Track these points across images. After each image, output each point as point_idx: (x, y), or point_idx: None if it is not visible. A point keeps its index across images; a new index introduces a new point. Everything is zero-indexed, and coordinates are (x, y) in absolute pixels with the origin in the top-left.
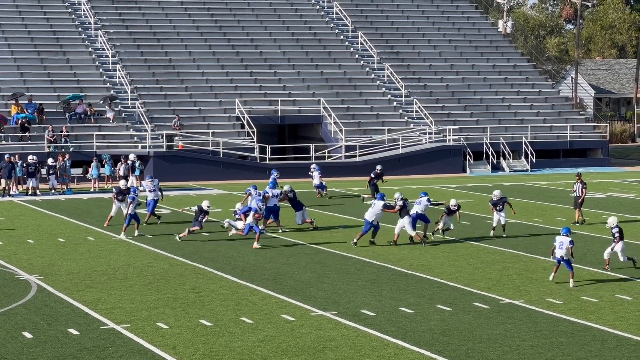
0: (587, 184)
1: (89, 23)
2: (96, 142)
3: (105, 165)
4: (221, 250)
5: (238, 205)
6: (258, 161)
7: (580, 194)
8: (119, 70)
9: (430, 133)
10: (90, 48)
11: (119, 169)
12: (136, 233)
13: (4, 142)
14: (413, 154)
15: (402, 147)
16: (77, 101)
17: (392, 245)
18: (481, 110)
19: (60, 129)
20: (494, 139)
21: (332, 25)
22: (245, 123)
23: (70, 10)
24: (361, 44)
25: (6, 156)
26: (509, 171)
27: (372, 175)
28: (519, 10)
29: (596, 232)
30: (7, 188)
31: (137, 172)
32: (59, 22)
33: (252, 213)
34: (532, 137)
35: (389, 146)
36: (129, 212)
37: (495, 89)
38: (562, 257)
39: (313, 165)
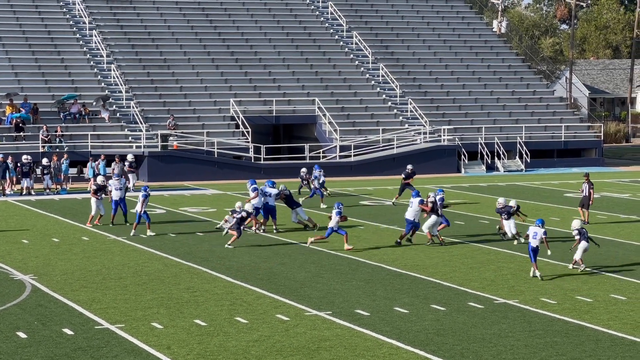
0: (594, 185)
1: (84, 23)
2: (91, 142)
3: (99, 165)
4: (216, 250)
5: (238, 204)
6: (253, 161)
7: (588, 194)
8: (114, 70)
9: (425, 133)
10: (84, 48)
11: (114, 169)
12: (148, 232)
13: None
14: (408, 154)
15: (397, 147)
16: (72, 101)
17: (429, 245)
18: (476, 110)
19: (55, 128)
20: (488, 139)
21: (326, 25)
22: (240, 123)
23: (64, 10)
24: (356, 43)
25: (0, 156)
26: (504, 171)
27: (403, 176)
28: (514, 11)
29: (590, 232)
30: (1, 188)
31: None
32: (54, 22)
33: (335, 217)
34: (526, 137)
35: (383, 146)
36: (141, 210)
37: (490, 89)
38: (537, 247)
39: (315, 166)
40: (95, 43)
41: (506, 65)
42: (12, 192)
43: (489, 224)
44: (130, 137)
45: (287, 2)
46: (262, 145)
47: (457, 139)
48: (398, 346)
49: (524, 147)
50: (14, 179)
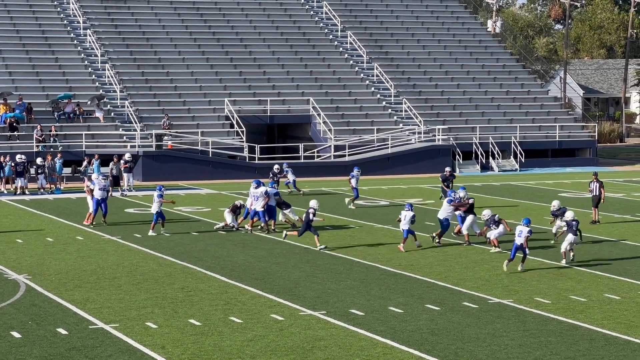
0: (604, 184)
1: (78, 22)
2: (85, 142)
3: (94, 165)
4: (210, 249)
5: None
6: (247, 161)
7: (598, 193)
8: (108, 70)
9: (419, 133)
10: (79, 47)
11: (112, 169)
12: (162, 231)
13: None
14: (402, 154)
15: (392, 147)
16: (66, 100)
17: (466, 246)
18: (470, 110)
19: (49, 128)
20: (483, 139)
21: (321, 25)
22: (234, 122)
23: (59, 9)
24: (350, 43)
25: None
26: (498, 171)
27: (442, 179)
28: (508, 10)
29: (585, 232)
30: None
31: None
32: (48, 22)
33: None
34: (521, 136)
35: (378, 146)
36: (156, 210)
37: (485, 88)
38: (522, 244)
39: (285, 164)
40: (90, 43)
41: (500, 65)
42: (6, 192)
43: (483, 224)
44: (124, 137)
45: (281, 2)
46: (256, 145)
47: (451, 139)
48: (392, 346)
49: (519, 147)
50: (10, 178)
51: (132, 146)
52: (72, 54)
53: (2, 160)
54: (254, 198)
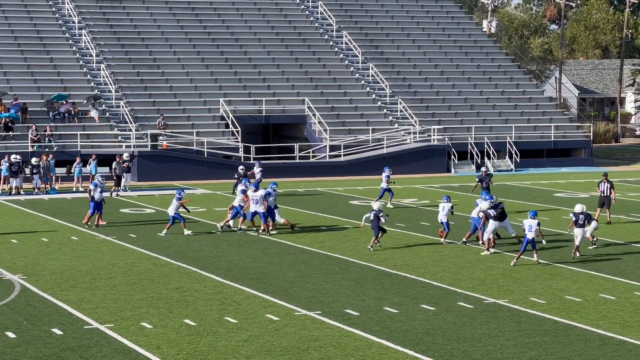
0: (614, 184)
1: (73, 22)
2: (80, 142)
3: (91, 165)
4: (205, 249)
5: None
6: (242, 161)
7: (609, 194)
8: (103, 70)
9: (414, 133)
10: (74, 47)
11: (115, 169)
12: (186, 232)
13: None
14: (397, 154)
15: (387, 147)
16: (62, 102)
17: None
18: (465, 110)
19: (44, 128)
20: (478, 139)
21: (316, 25)
22: (229, 122)
23: (54, 9)
24: (346, 43)
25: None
26: (494, 171)
27: (478, 179)
28: (503, 10)
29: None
30: None
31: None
32: (43, 21)
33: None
34: (516, 137)
35: (373, 146)
36: (173, 212)
37: (480, 88)
38: (532, 239)
39: (257, 163)
40: (85, 43)
41: (496, 65)
42: (1, 192)
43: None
44: (119, 137)
45: (277, 2)
46: (251, 145)
47: (446, 139)
48: (388, 346)
49: (514, 147)
50: (3, 178)
51: (127, 146)
52: (67, 54)
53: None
54: (254, 201)
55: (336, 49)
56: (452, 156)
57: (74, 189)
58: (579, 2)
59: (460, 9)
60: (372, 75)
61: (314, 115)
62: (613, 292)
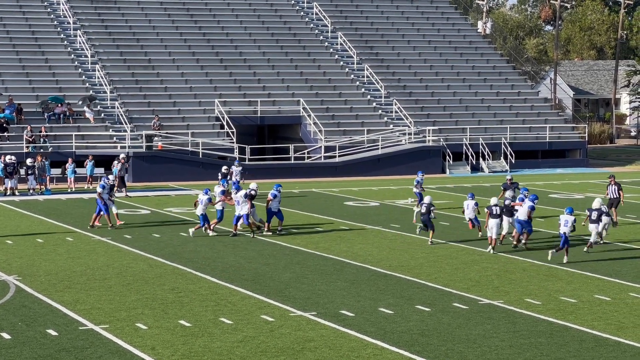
0: (622, 186)
1: (68, 23)
2: (75, 143)
3: (87, 166)
4: (201, 250)
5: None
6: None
7: (617, 196)
8: (98, 71)
9: (409, 134)
10: (69, 48)
11: (120, 169)
12: (210, 233)
13: None
14: (392, 155)
15: (382, 148)
16: (59, 104)
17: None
18: (460, 111)
19: (39, 129)
20: (473, 140)
21: (311, 25)
22: (224, 123)
23: (49, 9)
24: (341, 44)
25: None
26: (488, 172)
27: (503, 188)
28: (498, 11)
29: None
30: None
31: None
32: (38, 22)
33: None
34: (511, 137)
35: (368, 147)
36: (201, 212)
37: (475, 89)
38: (564, 233)
39: (236, 163)
40: (80, 43)
41: (491, 66)
42: None
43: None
44: (114, 138)
45: (271, 3)
46: (246, 146)
47: (441, 140)
48: (383, 347)
49: (509, 148)
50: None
51: (122, 147)
52: (62, 55)
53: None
54: (237, 202)
55: (331, 49)
56: (447, 157)
57: (68, 190)
58: (573, 3)
59: (455, 10)
60: (367, 76)
61: (309, 116)
62: (608, 293)
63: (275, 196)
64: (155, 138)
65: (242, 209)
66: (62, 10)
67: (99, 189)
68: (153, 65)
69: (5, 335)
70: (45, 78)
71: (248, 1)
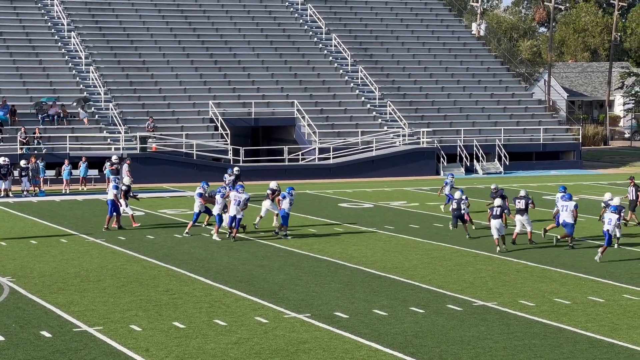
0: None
1: (62, 25)
2: (69, 144)
3: (81, 167)
4: (195, 252)
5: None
6: (232, 163)
7: (636, 197)
8: (92, 72)
9: (404, 135)
10: (63, 50)
11: (121, 170)
12: (215, 237)
13: None
14: (387, 157)
15: (376, 150)
16: (50, 103)
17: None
18: (455, 113)
19: (33, 130)
20: (467, 142)
21: (305, 27)
22: (219, 125)
23: (43, 11)
24: (335, 46)
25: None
26: (483, 173)
27: (492, 198)
28: (492, 13)
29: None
30: None
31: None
32: (32, 24)
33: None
34: (505, 139)
35: (362, 148)
36: (217, 212)
37: (469, 91)
38: (607, 230)
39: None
40: (74, 45)
41: (485, 67)
42: None
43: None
44: (109, 139)
45: (266, 5)
46: (241, 148)
47: (436, 142)
48: (377, 348)
49: (503, 150)
50: None
51: (116, 148)
52: (56, 57)
53: None
54: (235, 202)
55: (325, 51)
56: (442, 159)
57: (63, 192)
58: (568, 5)
59: (449, 11)
60: (361, 78)
61: (303, 117)
62: (602, 294)
63: (284, 197)
64: (150, 140)
65: (239, 212)
66: (56, 12)
67: (113, 191)
68: (147, 66)
69: None
70: (39, 80)
71: (242, 3)
